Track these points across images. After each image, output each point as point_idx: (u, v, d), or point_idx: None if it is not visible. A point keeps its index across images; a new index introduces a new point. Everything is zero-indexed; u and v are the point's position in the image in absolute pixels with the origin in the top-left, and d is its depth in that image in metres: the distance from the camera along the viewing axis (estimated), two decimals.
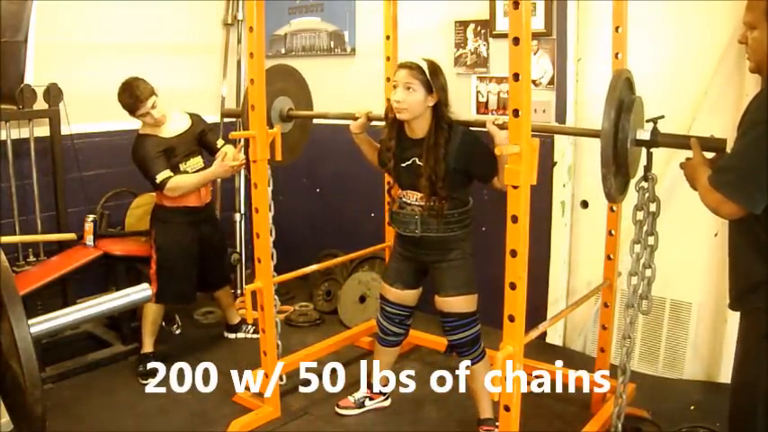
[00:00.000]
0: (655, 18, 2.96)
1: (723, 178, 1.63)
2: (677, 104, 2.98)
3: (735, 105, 2.75)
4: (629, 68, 2.26)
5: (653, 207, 2.16)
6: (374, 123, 2.70)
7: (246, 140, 2.70)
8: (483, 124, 2.30)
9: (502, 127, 2.23)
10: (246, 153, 2.78)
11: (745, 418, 1.74)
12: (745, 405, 1.74)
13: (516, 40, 1.72)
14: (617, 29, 2.47)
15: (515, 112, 1.76)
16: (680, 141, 1.97)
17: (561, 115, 3.26)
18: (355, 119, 2.67)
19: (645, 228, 2.19)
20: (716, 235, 2.91)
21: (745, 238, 1.71)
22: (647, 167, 2.13)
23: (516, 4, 1.70)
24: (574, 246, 3.41)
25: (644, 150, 2.11)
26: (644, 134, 2.04)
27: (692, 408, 2.81)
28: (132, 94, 3.01)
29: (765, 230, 1.64)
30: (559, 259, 3.40)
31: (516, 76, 1.75)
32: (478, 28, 3.46)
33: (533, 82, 3.21)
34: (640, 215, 2.18)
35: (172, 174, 3.08)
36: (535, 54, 3.23)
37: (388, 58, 3.17)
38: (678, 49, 2.98)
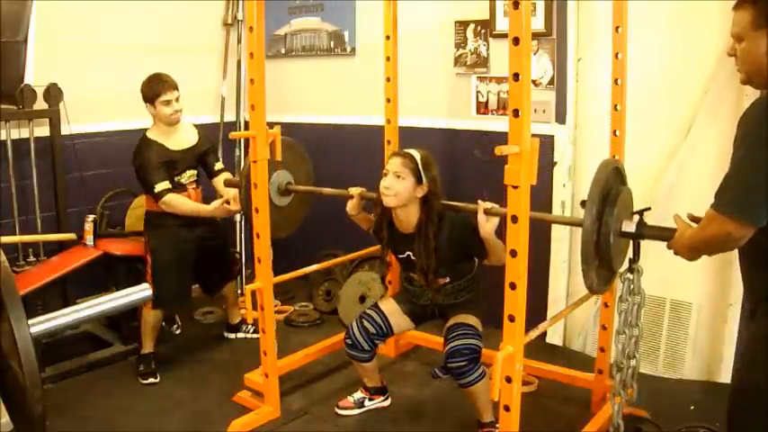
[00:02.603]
0: (655, 18, 2.96)
1: (722, 199, 1.59)
2: (677, 105, 2.98)
3: (735, 105, 2.75)
4: (619, 159, 2.24)
5: (637, 299, 2.11)
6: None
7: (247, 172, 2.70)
8: (475, 211, 2.29)
9: (489, 212, 2.24)
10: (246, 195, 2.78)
11: (744, 420, 1.74)
12: (745, 406, 1.74)
13: (516, 40, 1.72)
14: (617, 29, 2.47)
15: (515, 112, 1.76)
16: (666, 234, 1.87)
17: (561, 115, 3.26)
18: (350, 196, 2.66)
19: (629, 319, 2.12)
20: None
21: (750, 251, 1.68)
22: (633, 259, 2.06)
23: (516, 4, 1.70)
24: (574, 246, 3.40)
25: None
26: (630, 226, 1.96)
27: (692, 408, 2.81)
28: (160, 80, 3.09)
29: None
30: (559, 259, 3.40)
31: (516, 76, 1.75)
32: (478, 28, 3.46)
33: (533, 82, 3.21)
34: (624, 306, 2.11)
35: (170, 186, 3.10)
36: (535, 54, 3.23)
37: (388, 58, 3.17)
38: (678, 49, 2.97)
